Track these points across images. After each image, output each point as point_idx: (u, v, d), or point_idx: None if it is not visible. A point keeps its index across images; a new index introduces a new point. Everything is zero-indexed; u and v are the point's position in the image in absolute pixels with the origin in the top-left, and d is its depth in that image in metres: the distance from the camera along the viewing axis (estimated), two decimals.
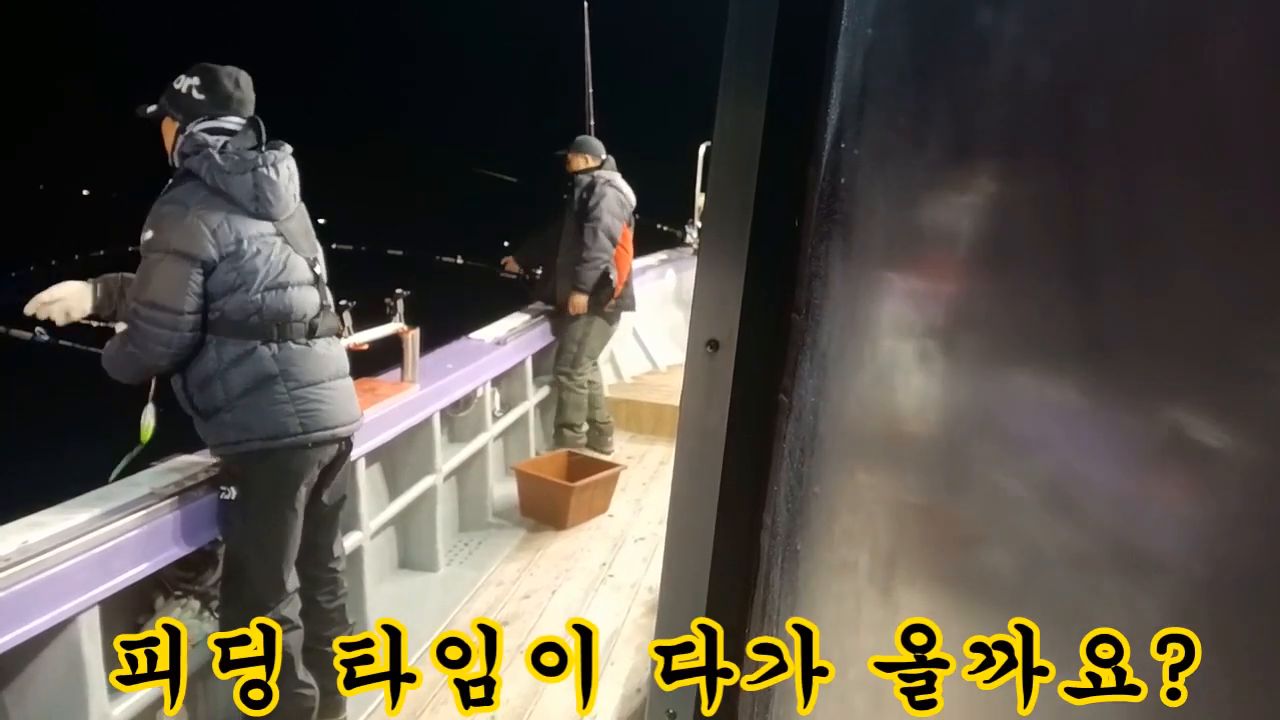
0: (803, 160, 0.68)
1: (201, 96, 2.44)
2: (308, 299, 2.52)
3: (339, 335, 2.72)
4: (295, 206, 2.56)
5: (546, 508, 4.45)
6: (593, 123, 6.50)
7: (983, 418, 0.43)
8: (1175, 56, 0.31)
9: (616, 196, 4.97)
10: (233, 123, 2.47)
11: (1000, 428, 0.41)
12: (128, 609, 2.55)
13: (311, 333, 2.52)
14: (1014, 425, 0.40)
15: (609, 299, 5.03)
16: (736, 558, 0.76)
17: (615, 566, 4.05)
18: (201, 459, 2.71)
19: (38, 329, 2.67)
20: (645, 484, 5.02)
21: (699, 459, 0.75)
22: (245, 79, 2.50)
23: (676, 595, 0.79)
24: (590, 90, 6.55)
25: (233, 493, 2.46)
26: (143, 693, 2.39)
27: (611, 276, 4.98)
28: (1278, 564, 0.25)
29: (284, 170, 2.49)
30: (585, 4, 6.56)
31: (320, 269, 2.62)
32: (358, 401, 2.72)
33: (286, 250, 2.48)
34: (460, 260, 5.64)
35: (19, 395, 7.65)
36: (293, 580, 2.54)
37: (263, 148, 2.47)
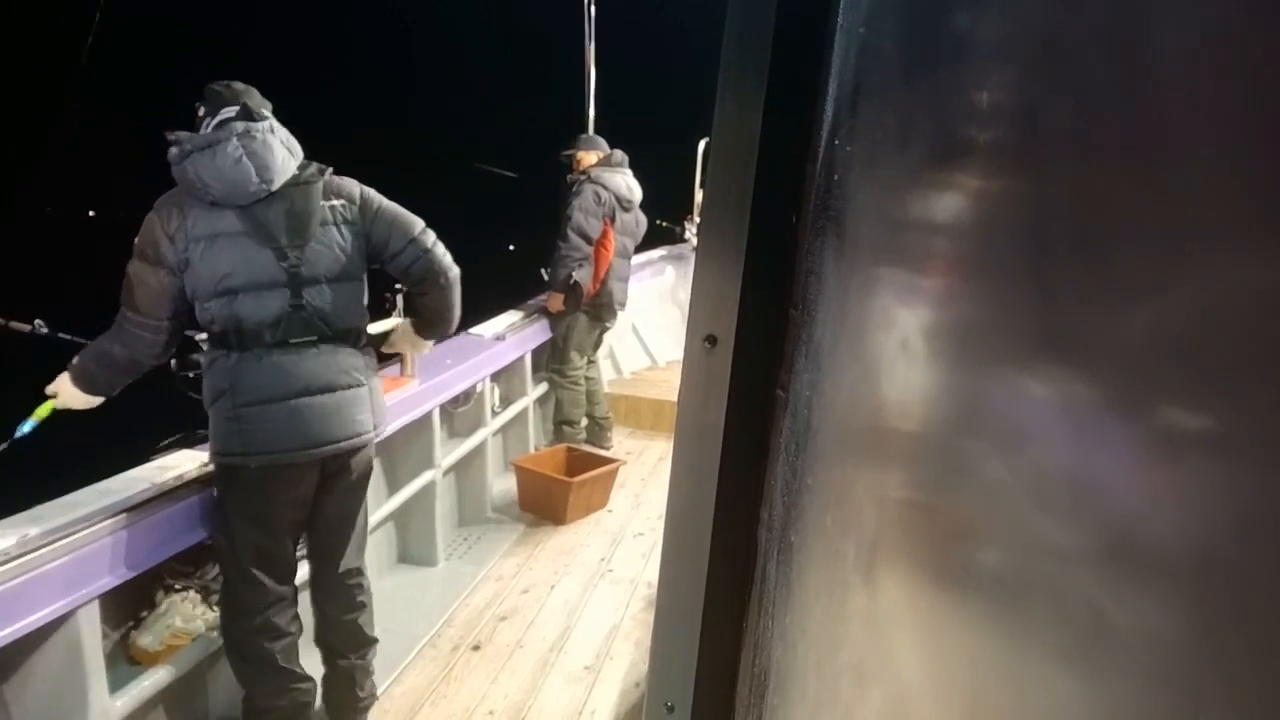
0: (800, 156, 0.68)
1: (202, 111, 2.41)
2: (264, 302, 2.31)
3: (338, 340, 2.43)
4: (270, 186, 2.32)
5: (546, 503, 4.45)
6: (593, 115, 6.50)
7: (971, 412, 0.44)
8: (1167, 56, 0.31)
9: (594, 193, 4.89)
10: (232, 111, 2.37)
11: (988, 422, 0.42)
12: (128, 603, 2.55)
13: (278, 341, 2.33)
14: (1001, 420, 0.40)
15: (583, 296, 4.97)
16: (734, 552, 0.76)
17: (614, 561, 4.06)
18: (200, 454, 2.71)
19: (36, 321, 2.68)
20: (644, 479, 5.02)
21: (697, 454, 0.76)
22: (238, 82, 2.43)
23: (675, 590, 0.80)
24: (591, 88, 6.54)
25: (215, 493, 2.46)
26: (142, 686, 2.40)
27: (580, 276, 4.91)
28: (1258, 556, 0.25)
29: (228, 151, 2.27)
30: (586, 1, 6.54)
31: (296, 261, 2.34)
32: (357, 418, 2.46)
33: (241, 248, 2.29)
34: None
35: (17, 388, 7.64)
36: (279, 587, 2.47)
37: (222, 131, 2.32)
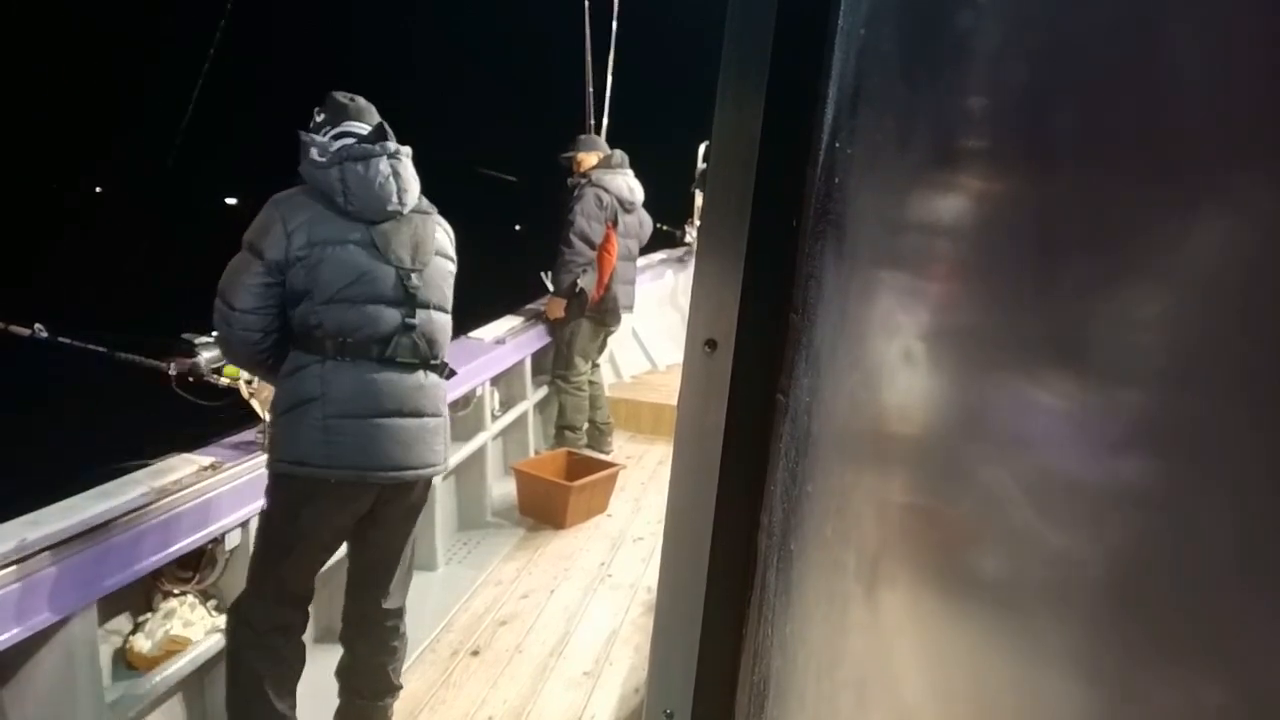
0: (800, 159, 0.68)
1: (322, 116, 2.44)
2: (381, 317, 2.32)
3: (430, 368, 2.43)
4: (404, 209, 2.39)
5: (545, 507, 4.45)
6: (593, 121, 6.51)
7: (975, 421, 0.43)
8: (1170, 58, 0.31)
9: (595, 196, 4.86)
10: (357, 126, 2.42)
11: (992, 431, 0.41)
12: (126, 607, 2.55)
13: (384, 356, 2.32)
14: (1007, 428, 0.40)
15: (587, 302, 4.95)
16: (734, 558, 0.76)
17: (614, 566, 4.05)
18: (199, 458, 2.71)
19: (36, 325, 2.67)
20: (644, 484, 5.02)
21: (697, 459, 0.75)
22: (360, 98, 2.48)
23: (674, 596, 0.79)
24: (591, 90, 6.55)
25: (264, 503, 2.39)
26: (140, 691, 2.39)
27: (585, 282, 4.89)
28: (1266, 558, 0.25)
29: (380, 168, 2.34)
30: (586, 2, 6.56)
31: (415, 284, 2.37)
32: (435, 448, 2.44)
33: (368, 260, 2.31)
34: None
35: (17, 392, 7.66)
36: (297, 609, 2.40)
37: (376, 146, 2.38)
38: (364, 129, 2.42)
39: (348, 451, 2.27)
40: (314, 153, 2.34)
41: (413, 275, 2.37)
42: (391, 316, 2.33)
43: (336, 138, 2.39)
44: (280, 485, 2.34)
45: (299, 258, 2.25)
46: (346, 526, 2.41)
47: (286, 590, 2.36)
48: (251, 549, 2.49)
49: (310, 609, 2.48)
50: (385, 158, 2.36)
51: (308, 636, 2.61)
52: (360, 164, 2.33)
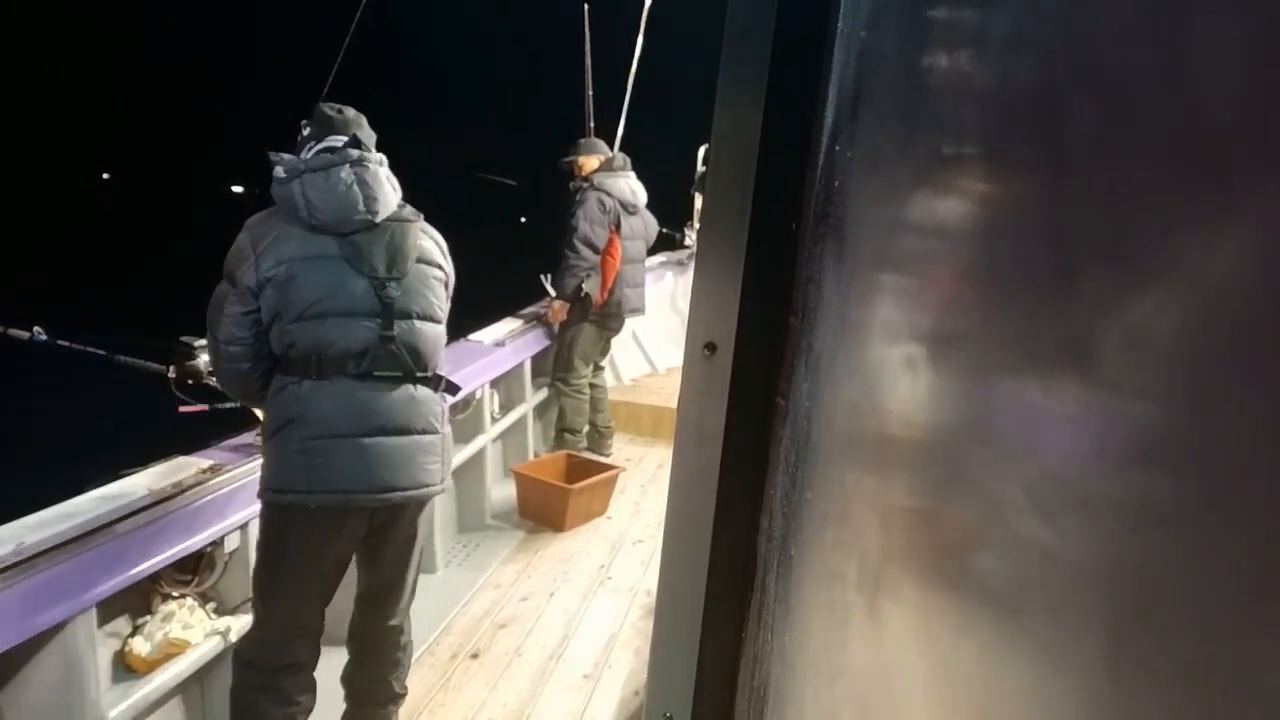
0: (800, 162, 0.67)
1: (308, 130, 2.36)
2: (353, 330, 2.22)
3: (421, 381, 2.33)
4: (374, 217, 2.28)
5: (545, 510, 4.45)
6: (592, 124, 6.51)
7: (972, 424, 0.43)
8: (1166, 58, 0.31)
9: (598, 201, 4.84)
10: (339, 140, 2.33)
11: (989, 434, 0.41)
12: (125, 610, 2.54)
13: (363, 372, 2.22)
14: (1011, 435, 0.39)
15: (590, 305, 4.94)
16: (734, 561, 0.76)
17: (613, 569, 4.05)
18: (198, 460, 2.71)
19: (35, 329, 2.67)
20: (644, 486, 5.01)
21: (697, 462, 0.75)
22: (350, 109, 2.39)
23: (674, 599, 0.79)
24: (590, 93, 6.55)
25: (260, 536, 2.32)
26: (139, 695, 2.38)
27: (589, 287, 4.88)
28: (1272, 568, 0.25)
29: (341, 176, 2.25)
30: (586, 6, 6.57)
31: (392, 294, 2.27)
32: (427, 467, 2.33)
33: (339, 273, 2.23)
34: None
35: (17, 395, 7.66)
36: (301, 646, 2.32)
37: (336, 156, 2.29)
38: (344, 139, 2.33)
39: (331, 475, 2.19)
40: (278, 170, 2.27)
41: (389, 285, 2.27)
42: (365, 329, 2.24)
43: (320, 153, 2.30)
44: (269, 513, 2.28)
45: (268, 278, 2.18)
46: (345, 552, 2.34)
47: (291, 623, 2.29)
48: (251, 580, 2.45)
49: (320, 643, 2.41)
50: (348, 165, 2.26)
51: None
52: (319, 174, 2.24)
